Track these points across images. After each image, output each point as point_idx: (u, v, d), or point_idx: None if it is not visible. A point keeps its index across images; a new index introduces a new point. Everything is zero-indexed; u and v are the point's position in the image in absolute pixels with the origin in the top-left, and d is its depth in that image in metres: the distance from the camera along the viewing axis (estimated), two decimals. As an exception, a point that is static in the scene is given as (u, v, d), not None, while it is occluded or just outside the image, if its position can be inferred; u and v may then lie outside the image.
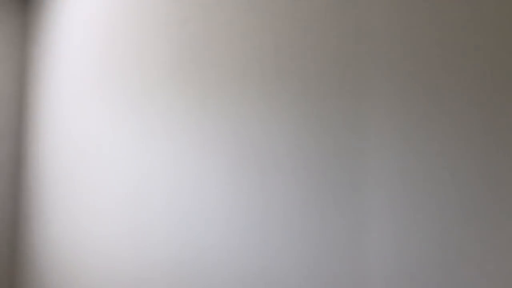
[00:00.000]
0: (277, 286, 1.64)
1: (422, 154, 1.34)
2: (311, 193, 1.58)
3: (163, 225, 2.07)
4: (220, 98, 1.89)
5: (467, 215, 1.26)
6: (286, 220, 1.64)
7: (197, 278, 1.91)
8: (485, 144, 1.24)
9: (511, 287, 1.18)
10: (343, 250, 1.48)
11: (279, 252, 1.65)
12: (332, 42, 1.55)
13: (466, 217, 1.26)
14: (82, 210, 2.55)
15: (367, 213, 1.43)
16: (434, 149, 1.32)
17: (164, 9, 2.13)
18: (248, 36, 1.80)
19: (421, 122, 1.35)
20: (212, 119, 1.91)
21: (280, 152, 1.68)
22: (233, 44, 1.86)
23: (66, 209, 2.67)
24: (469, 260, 1.24)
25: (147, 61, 2.21)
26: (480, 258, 1.23)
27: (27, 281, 2.95)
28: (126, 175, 2.25)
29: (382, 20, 1.44)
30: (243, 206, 1.77)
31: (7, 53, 3.03)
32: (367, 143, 1.45)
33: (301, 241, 1.59)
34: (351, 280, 1.45)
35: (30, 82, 3.10)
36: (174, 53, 2.08)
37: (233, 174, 1.82)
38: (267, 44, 1.74)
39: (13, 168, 3.03)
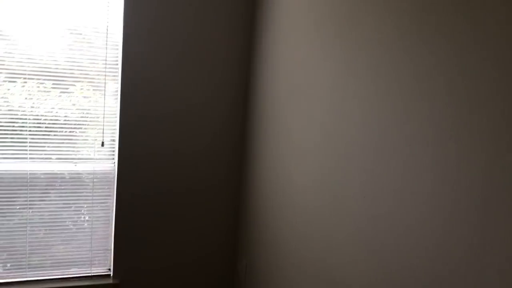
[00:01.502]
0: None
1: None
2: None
3: (357, 168, 1.89)
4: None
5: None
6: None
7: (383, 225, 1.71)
8: None
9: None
10: None
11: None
12: None
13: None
14: (288, 147, 2.55)
15: None
16: None
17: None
18: None
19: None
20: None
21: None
22: None
23: (276, 145, 2.71)
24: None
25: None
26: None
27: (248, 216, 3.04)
28: (328, 111, 2.15)
29: None
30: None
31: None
32: None
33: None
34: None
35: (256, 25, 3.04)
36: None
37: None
38: None
39: (240, 106, 3.19)
